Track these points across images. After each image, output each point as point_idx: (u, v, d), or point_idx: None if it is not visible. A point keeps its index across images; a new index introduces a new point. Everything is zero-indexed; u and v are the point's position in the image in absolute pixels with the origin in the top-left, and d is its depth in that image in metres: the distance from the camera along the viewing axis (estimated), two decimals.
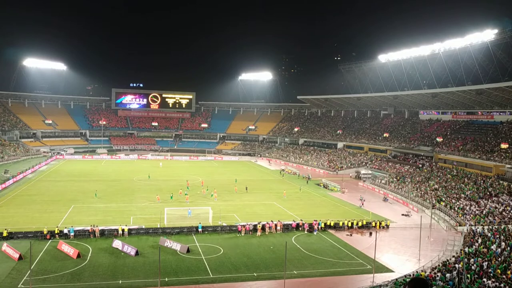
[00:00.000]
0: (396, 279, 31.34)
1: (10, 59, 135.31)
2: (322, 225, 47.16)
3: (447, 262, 33.46)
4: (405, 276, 32.18)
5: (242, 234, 44.11)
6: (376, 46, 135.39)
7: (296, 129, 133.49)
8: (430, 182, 67.93)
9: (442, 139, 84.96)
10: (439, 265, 33.89)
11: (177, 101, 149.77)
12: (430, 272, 31.83)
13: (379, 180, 78.45)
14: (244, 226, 44.91)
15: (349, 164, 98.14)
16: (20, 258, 34.51)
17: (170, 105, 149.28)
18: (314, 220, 47.36)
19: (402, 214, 56.33)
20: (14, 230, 41.18)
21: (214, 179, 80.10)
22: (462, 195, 58.12)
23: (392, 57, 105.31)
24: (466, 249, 36.29)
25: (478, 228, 44.03)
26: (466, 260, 30.53)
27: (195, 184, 72.57)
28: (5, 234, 39.76)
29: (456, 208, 53.89)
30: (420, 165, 79.84)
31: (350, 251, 40.40)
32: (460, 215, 51.41)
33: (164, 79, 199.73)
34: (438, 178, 68.61)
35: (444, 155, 78.65)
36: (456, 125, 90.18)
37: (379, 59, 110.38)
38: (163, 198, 59.12)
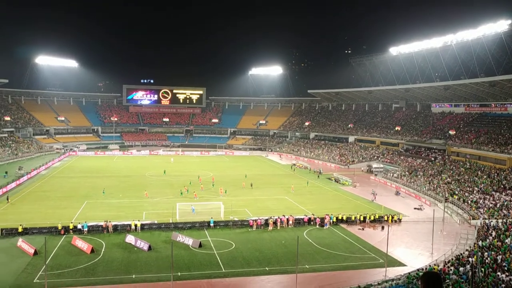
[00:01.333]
0: (409, 273, 31.20)
1: (23, 57, 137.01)
2: (334, 219, 47.09)
3: (461, 256, 33.22)
4: (418, 270, 32.02)
5: (254, 229, 44.22)
6: (387, 39, 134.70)
7: (307, 124, 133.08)
8: (442, 175, 67.38)
9: (454, 132, 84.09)
10: (452, 259, 33.68)
11: (188, 97, 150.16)
12: (444, 266, 31.66)
13: (391, 174, 78.01)
14: (255, 220, 45.02)
15: (361, 158, 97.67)
16: (35, 253, 35.03)
17: (181, 101, 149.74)
18: (326, 214, 47.29)
19: (415, 208, 56.00)
20: (29, 226, 41.77)
21: (226, 174, 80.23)
22: (476, 188, 57.56)
23: (404, 49, 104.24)
24: (480, 243, 35.98)
25: (492, 221, 43.60)
26: (479, 253, 30.26)
27: (206, 180, 72.78)
28: (20, 229, 40.35)
29: (469, 202, 53.42)
30: (433, 159, 79.17)
31: (362, 245, 40.30)
32: (474, 208, 50.95)
33: (174, 75, 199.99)
34: (451, 172, 68.01)
35: (457, 148, 77.87)
36: (469, 117, 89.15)
37: (390, 52, 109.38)
38: (174, 194, 59.42)
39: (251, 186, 67.20)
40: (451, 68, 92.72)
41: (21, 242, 37.13)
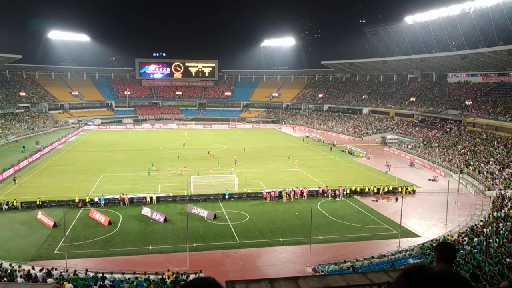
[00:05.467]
0: (423, 244, 31.31)
1: (35, 33, 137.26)
2: (348, 191, 47.15)
3: (475, 227, 33.16)
4: (432, 240, 32.09)
5: (268, 201, 44.56)
6: (402, 7, 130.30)
7: (320, 95, 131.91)
8: (458, 146, 66.66)
9: (471, 102, 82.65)
10: (466, 230, 33.65)
11: (200, 70, 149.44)
12: (458, 237, 31.67)
13: (406, 145, 77.42)
14: (269, 193, 45.32)
15: (375, 130, 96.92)
16: (55, 225, 35.90)
17: (193, 74, 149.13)
18: (340, 186, 47.35)
19: (429, 179, 55.71)
20: (48, 199, 42.69)
21: (239, 147, 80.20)
22: (492, 159, 56.91)
23: (419, 18, 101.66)
24: (495, 214, 35.79)
25: (507, 192, 43.25)
26: (494, 224, 30.14)
27: (218, 154, 73.07)
28: (38, 202, 41.28)
29: (485, 173, 52.93)
30: (448, 130, 78.21)
31: (376, 217, 40.44)
32: (489, 179, 50.51)
33: (186, 48, 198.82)
34: (467, 142, 67.21)
35: (473, 119, 76.69)
36: (486, 87, 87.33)
37: (405, 20, 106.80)
38: (189, 167, 59.90)
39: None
40: (468, 37, 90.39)
41: (40, 215, 38.04)
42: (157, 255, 31.05)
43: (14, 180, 51.72)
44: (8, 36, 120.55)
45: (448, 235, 33.24)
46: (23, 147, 74.23)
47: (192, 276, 24.88)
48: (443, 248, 3.11)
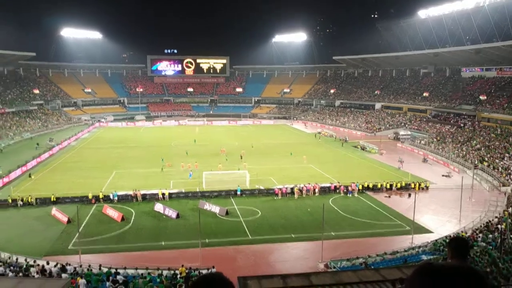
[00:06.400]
0: (436, 240, 31.06)
1: (48, 30, 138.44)
2: (360, 187, 46.91)
3: (490, 223, 32.79)
4: (445, 237, 31.80)
5: (279, 197, 44.55)
6: (416, 1, 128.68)
7: (332, 91, 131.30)
8: (472, 141, 65.89)
9: (485, 97, 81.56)
10: (481, 226, 33.31)
11: (211, 66, 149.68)
12: (472, 233, 31.35)
13: (419, 141, 76.75)
14: (281, 189, 45.30)
15: (387, 125, 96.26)
16: (69, 221, 36.31)
17: (205, 70, 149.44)
18: (352, 182, 47.14)
19: (443, 175, 55.17)
20: (61, 195, 43.20)
21: (250, 143, 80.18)
22: (507, 154, 56.16)
23: (433, 12, 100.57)
24: (510, 210, 35.36)
25: None
26: (509, 220, 29.75)
27: (230, 151, 73.19)
28: (53, 198, 41.80)
29: (499, 168, 52.25)
30: (462, 125, 77.34)
31: (389, 213, 40.21)
32: (504, 175, 49.86)
33: (197, 44, 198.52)
34: (481, 138, 66.39)
35: (487, 114, 75.72)
36: (501, 81, 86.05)
37: (418, 15, 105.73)
38: (200, 163, 60.02)
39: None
40: (483, 31, 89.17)
41: (54, 211, 38.51)
42: (170, 251, 31.24)
43: (30, 176, 52.65)
44: (22, 34, 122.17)
45: (462, 231, 32.91)
46: (37, 144, 75.14)
47: (204, 272, 25.00)
48: (457, 244, 3.07)
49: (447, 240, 29.52)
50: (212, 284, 2.13)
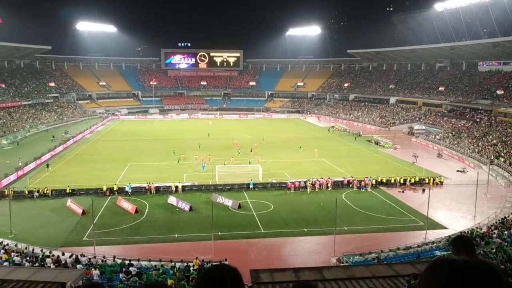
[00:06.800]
0: (449, 236, 30.77)
1: (64, 24, 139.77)
2: (373, 182, 46.61)
3: (505, 219, 32.37)
4: (460, 233, 31.47)
5: (292, 191, 44.51)
6: None
7: (346, 85, 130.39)
8: (488, 137, 64.97)
9: (503, 92, 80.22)
10: (496, 222, 32.90)
11: (225, 60, 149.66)
12: (487, 229, 30.99)
13: (433, 136, 75.92)
14: (293, 183, 45.24)
15: (402, 120, 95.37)
16: (83, 213, 36.80)
17: (218, 64, 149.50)
18: (365, 177, 46.86)
19: (457, 171, 54.52)
20: (76, 187, 43.75)
21: (264, 137, 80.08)
22: None
23: (450, 5, 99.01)
24: None
25: None
26: None
27: (242, 144, 73.27)
28: (68, 190, 42.38)
29: None
30: (478, 120, 76.26)
31: (402, 208, 39.92)
32: None
33: (211, 38, 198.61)
34: (498, 133, 65.42)
35: (504, 109, 74.51)
36: None
37: (435, 8, 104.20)
38: (214, 156, 60.19)
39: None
40: (501, 24, 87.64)
41: (70, 203, 39.05)
42: (183, 243, 31.49)
43: (48, 166, 53.77)
44: (38, 27, 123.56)
45: (476, 228, 32.55)
46: (53, 136, 76.12)
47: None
48: (465, 241, 3.01)
49: (452, 239, 29.23)
50: (223, 277, 2.13)
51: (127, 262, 24.65)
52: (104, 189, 43.05)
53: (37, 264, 22.83)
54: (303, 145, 69.85)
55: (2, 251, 25.50)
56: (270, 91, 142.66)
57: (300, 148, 67.40)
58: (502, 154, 55.83)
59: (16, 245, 28.28)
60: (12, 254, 24.92)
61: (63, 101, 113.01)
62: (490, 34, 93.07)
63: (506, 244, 26.32)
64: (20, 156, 57.17)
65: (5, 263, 21.55)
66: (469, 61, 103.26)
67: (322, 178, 46.65)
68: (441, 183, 48.49)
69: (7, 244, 28.33)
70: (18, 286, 10.81)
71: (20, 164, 52.58)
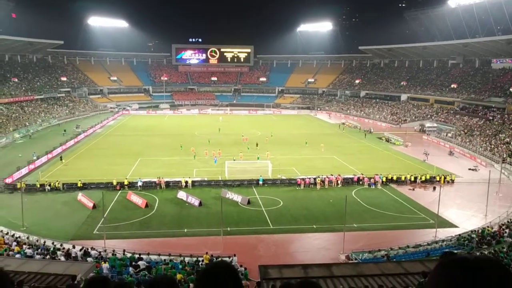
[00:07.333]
0: (459, 235, 30.52)
1: (76, 18, 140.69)
2: (384, 179, 46.34)
3: None
4: (471, 231, 31.20)
5: (302, 188, 44.44)
6: None
7: (357, 81, 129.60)
8: (501, 135, 64.21)
9: None
10: (507, 221, 32.55)
11: (236, 55, 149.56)
12: (498, 228, 30.70)
13: (445, 134, 75.23)
14: (303, 179, 45.15)
15: (413, 117, 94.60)
16: (94, 207, 37.12)
17: (229, 60, 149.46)
18: (375, 174, 46.61)
19: (469, 169, 53.97)
20: (87, 181, 44.12)
21: (274, 132, 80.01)
22: None
23: (463, 1, 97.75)
24: None
25: None
26: None
27: (252, 140, 73.25)
28: (79, 184, 42.78)
29: None
30: (491, 118, 75.38)
31: (412, 206, 39.66)
32: None
33: (222, 33, 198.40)
34: (510, 131, 64.61)
35: None
36: None
37: (448, 4, 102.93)
38: (224, 152, 60.30)
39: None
40: None
41: (80, 196, 39.42)
42: (192, 238, 31.64)
43: (61, 159, 54.89)
44: (51, 22, 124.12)
45: (488, 226, 32.24)
46: (64, 130, 76.78)
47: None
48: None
49: (472, 235, 28.95)
50: (223, 274, 2.14)
51: (136, 256, 24.84)
52: (114, 183, 43.34)
53: (48, 256, 23.09)
54: (313, 141, 69.64)
55: (14, 243, 25.84)
56: (281, 87, 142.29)
57: (306, 144, 67.21)
58: None
59: (28, 238, 28.66)
60: (24, 246, 25.25)
61: (75, 95, 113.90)
62: (504, 31, 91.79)
63: None
64: (32, 150, 57.80)
65: (17, 255, 21.82)
66: (482, 58, 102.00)
67: (332, 175, 46.50)
68: (452, 181, 48.03)
69: (19, 237, 28.72)
70: (29, 278, 10.95)
71: (35, 158, 53.25)
